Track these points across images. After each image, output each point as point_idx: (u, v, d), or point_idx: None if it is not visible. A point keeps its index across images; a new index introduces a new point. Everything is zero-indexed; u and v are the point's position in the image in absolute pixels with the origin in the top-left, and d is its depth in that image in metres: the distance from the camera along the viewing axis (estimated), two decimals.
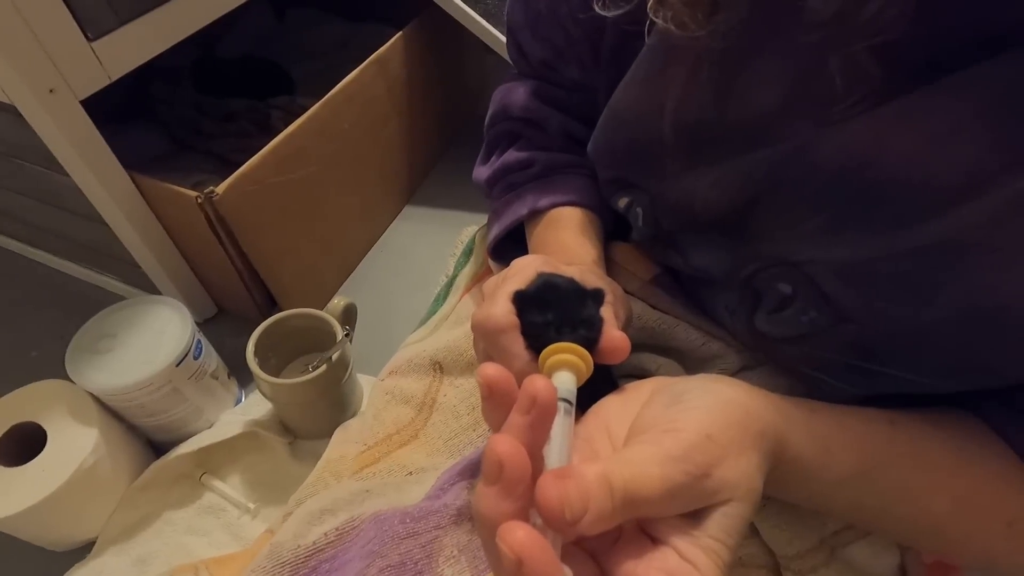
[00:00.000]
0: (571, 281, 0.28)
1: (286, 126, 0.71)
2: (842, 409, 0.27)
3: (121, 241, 0.72)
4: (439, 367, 0.43)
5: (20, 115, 0.57)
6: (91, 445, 0.58)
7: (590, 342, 0.25)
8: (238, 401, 0.75)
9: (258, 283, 0.77)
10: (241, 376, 0.76)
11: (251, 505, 0.65)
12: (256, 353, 0.62)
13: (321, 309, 0.66)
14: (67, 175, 0.64)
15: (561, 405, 0.21)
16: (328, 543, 0.31)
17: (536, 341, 0.26)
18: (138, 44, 0.61)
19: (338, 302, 0.67)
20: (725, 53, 0.27)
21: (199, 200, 0.64)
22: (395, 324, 0.82)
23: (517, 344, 0.26)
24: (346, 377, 0.66)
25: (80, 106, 0.58)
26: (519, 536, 0.16)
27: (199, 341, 0.65)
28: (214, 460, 0.68)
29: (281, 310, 0.67)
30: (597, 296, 0.28)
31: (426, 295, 0.55)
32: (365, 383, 0.75)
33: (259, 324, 0.64)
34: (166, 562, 0.60)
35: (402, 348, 0.47)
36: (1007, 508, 0.27)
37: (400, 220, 1.00)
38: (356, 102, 0.80)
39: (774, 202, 0.28)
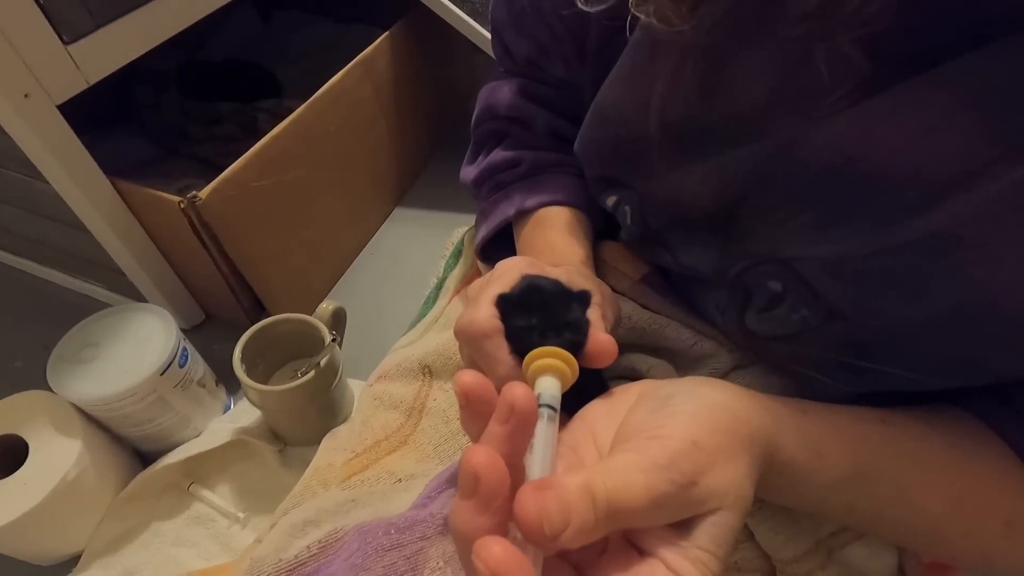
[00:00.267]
0: (556, 283, 0.27)
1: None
2: (834, 409, 0.26)
3: (104, 248, 0.71)
4: (428, 371, 0.42)
5: None
6: (74, 457, 0.57)
7: (576, 346, 0.25)
8: (226, 409, 0.74)
9: (245, 288, 0.75)
10: (230, 383, 0.75)
11: (241, 514, 0.65)
12: (243, 359, 0.61)
13: (310, 314, 0.65)
14: (47, 182, 0.63)
15: (544, 411, 0.21)
16: (311, 556, 0.30)
17: (520, 345, 0.25)
18: (116, 47, 0.60)
19: (327, 307, 0.66)
20: (709, 47, 0.26)
21: (182, 205, 0.63)
22: (386, 328, 0.81)
23: (501, 349, 0.26)
24: (335, 382, 0.65)
25: (57, 111, 0.57)
26: (495, 552, 0.16)
27: (184, 349, 0.64)
28: (202, 469, 0.67)
29: (270, 315, 0.66)
30: (583, 298, 0.27)
31: (417, 298, 0.55)
32: (356, 388, 0.74)
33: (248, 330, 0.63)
34: (154, 574, 0.60)
35: (391, 352, 0.46)
36: (1004, 508, 0.26)
37: (390, 223, 0.99)
38: (343, 103, 0.79)
39: (762, 198, 0.27)
